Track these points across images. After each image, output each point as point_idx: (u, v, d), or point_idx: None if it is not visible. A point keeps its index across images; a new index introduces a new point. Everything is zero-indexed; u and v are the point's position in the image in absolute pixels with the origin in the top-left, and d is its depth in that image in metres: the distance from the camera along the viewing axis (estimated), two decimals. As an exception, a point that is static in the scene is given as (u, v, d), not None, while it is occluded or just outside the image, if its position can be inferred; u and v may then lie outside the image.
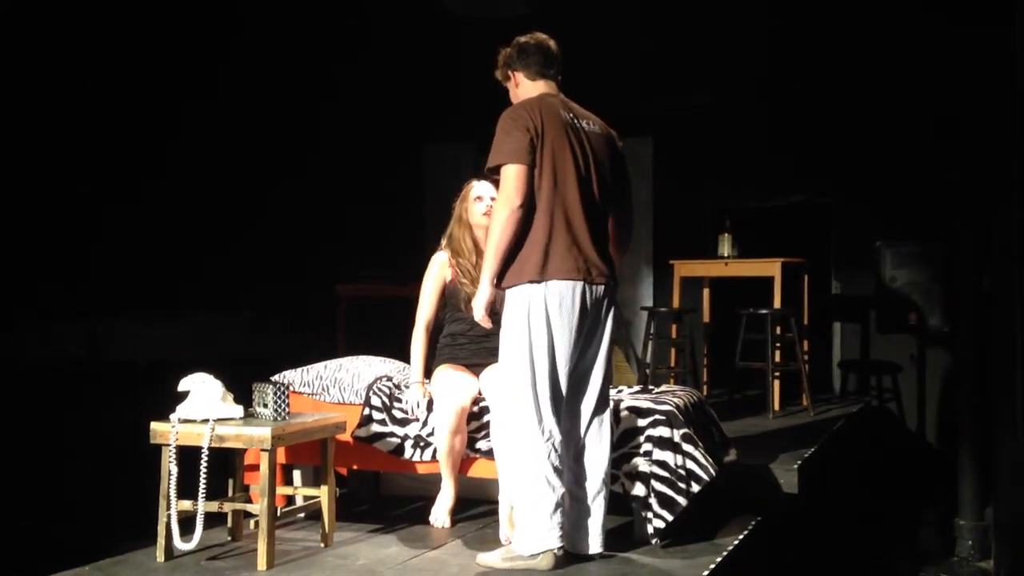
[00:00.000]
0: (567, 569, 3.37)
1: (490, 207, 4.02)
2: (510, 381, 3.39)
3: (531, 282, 3.31)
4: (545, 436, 3.33)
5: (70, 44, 5.79)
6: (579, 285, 3.33)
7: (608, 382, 3.56)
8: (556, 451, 3.34)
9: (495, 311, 3.49)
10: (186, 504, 3.45)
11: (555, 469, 3.33)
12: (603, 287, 3.41)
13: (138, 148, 6.25)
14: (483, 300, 3.39)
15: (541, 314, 3.32)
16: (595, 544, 3.47)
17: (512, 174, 3.29)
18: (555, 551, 3.33)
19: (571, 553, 3.44)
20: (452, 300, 4.08)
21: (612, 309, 3.49)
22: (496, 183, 3.41)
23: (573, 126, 3.42)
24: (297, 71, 7.55)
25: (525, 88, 3.56)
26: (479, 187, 4.10)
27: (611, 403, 3.63)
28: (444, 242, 4.15)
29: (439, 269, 4.10)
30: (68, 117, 5.79)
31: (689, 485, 3.68)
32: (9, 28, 5.39)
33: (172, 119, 6.49)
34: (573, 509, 3.45)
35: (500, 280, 3.38)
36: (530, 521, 3.33)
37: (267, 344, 7.15)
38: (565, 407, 3.43)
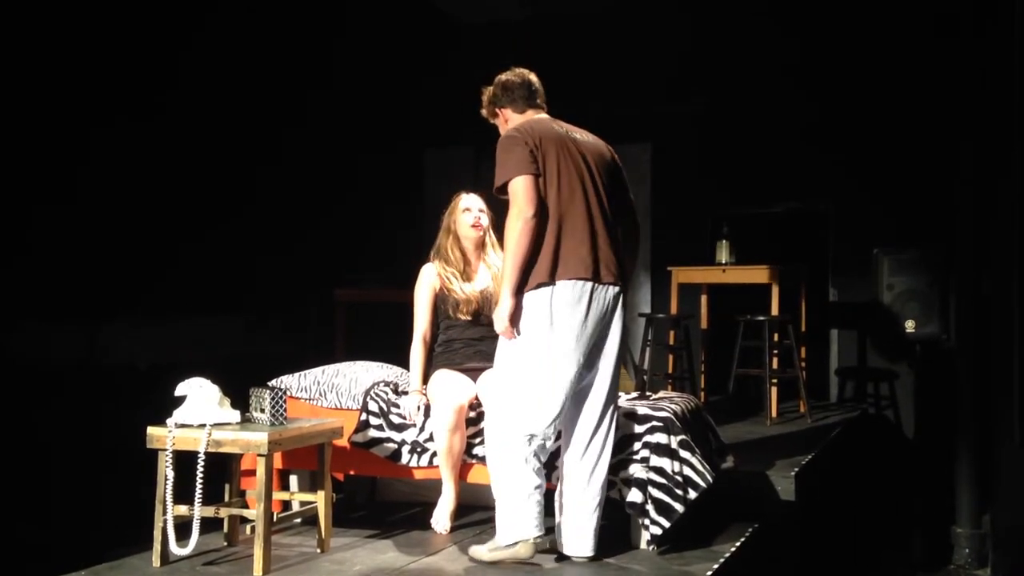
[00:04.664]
0: (566, 574, 3.38)
1: (478, 218, 4.13)
2: (511, 373, 3.45)
3: (541, 285, 3.39)
4: (536, 430, 3.40)
5: (66, 38, 5.78)
6: (587, 284, 3.41)
7: (615, 388, 3.58)
8: (543, 446, 3.42)
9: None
10: (182, 509, 3.45)
11: (537, 462, 3.41)
12: (612, 287, 3.47)
13: (138, 150, 6.24)
14: (505, 312, 3.42)
15: (548, 313, 3.39)
16: (584, 549, 3.52)
17: (521, 186, 3.38)
18: (533, 540, 3.42)
19: (565, 556, 3.52)
20: (443, 307, 4.13)
21: (621, 313, 3.54)
22: (506, 204, 3.47)
23: (568, 138, 3.54)
24: (298, 72, 7.54)
25: (515, 121, 3.67)
26: (467, 199, 4.19)
27: (617, 411, 3.64)
28: (433, 254, 4.22)
29: (428, 279, 4.17)
30: (66, 117, 5.78)
31: (686, 492, 3.69)
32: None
33: (171, 119, 6.48)
34: (570, 511, 3.51)
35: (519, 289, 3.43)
36: (508, 511, 3.43)
37: (264, 349, 7.14)
38: (572, 409, 3.50)
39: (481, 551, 3.52)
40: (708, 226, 7.71)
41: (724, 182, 7.73)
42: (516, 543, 3.42)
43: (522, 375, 3.42)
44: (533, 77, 3.72)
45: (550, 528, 3.58)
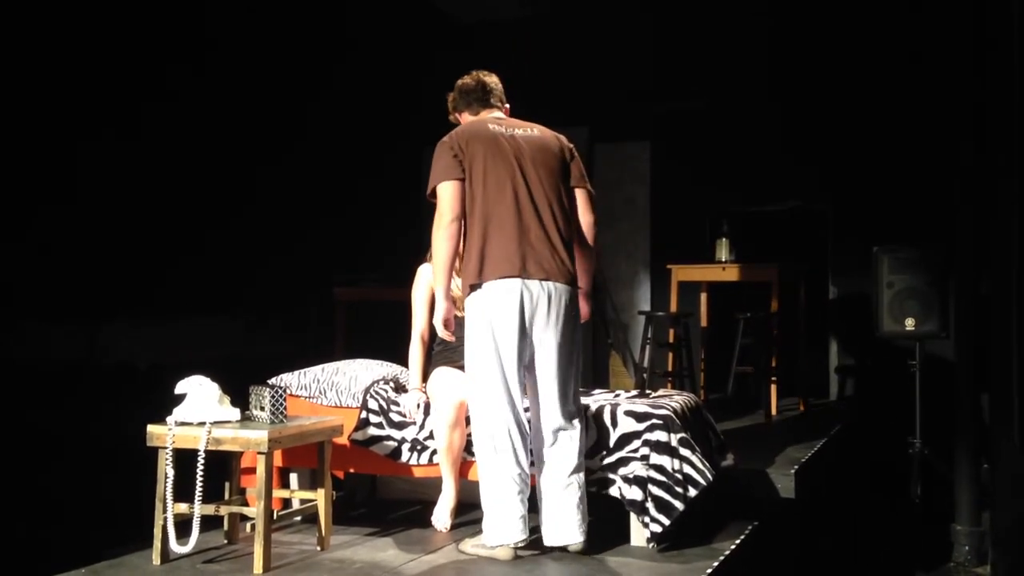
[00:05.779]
0: (565, 571, 3.40)
1: None
2: (470, 382, 3.54)
3: (472, 287, 3.47)
4: (494, 428, 3.45)
5: (68, 41, 5.79)
6: (515, 282, 3.44)
7: (567, 381, 3.56)
8: (517, 449, 3.46)
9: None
10: (182, 507, 3.46)
11: (515, 467, 3.45)
12: (545, 283, 3.47)
13: (138, 149, 6.24)
14: (440, 314, 3.55)
15: (484, 315, 3.45)
16: (569, 536, 3.54)
17: (443, 191, 3.50)
18: (513, 545, 3.48)
19: (554, 547, 3.58)
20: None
21: (563, 308, 3.51)
22: None
23: (503, 135, 3.57)
24: (298, 72, 7.54)
25: (468, 123, 3.73)
26: None
27: (579, 404, 3.65)
28: (429, 255, 4.21)
29: (425, 279, 4.20)
30: (66, 117, 5.78)
31: (686, 489, 3.69)
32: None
33: (171, 119, 6.48)
34: (546, 504, 3.56)
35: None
36: (491, 515, 3.50)
37: (264, 347, 7.13)
38: (535, 406, 3.55)
39: (466, 544, 3.63)
40: (707, 224, 7.71)
41: (723, 180, 7.73)
42: (497, 546, 3.50)
43: (472, 376, 3.51)
44: (490, 79, 3.78)
45: (536, 527, 3.60)
